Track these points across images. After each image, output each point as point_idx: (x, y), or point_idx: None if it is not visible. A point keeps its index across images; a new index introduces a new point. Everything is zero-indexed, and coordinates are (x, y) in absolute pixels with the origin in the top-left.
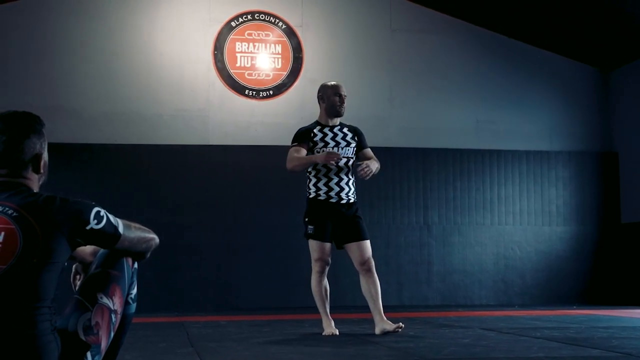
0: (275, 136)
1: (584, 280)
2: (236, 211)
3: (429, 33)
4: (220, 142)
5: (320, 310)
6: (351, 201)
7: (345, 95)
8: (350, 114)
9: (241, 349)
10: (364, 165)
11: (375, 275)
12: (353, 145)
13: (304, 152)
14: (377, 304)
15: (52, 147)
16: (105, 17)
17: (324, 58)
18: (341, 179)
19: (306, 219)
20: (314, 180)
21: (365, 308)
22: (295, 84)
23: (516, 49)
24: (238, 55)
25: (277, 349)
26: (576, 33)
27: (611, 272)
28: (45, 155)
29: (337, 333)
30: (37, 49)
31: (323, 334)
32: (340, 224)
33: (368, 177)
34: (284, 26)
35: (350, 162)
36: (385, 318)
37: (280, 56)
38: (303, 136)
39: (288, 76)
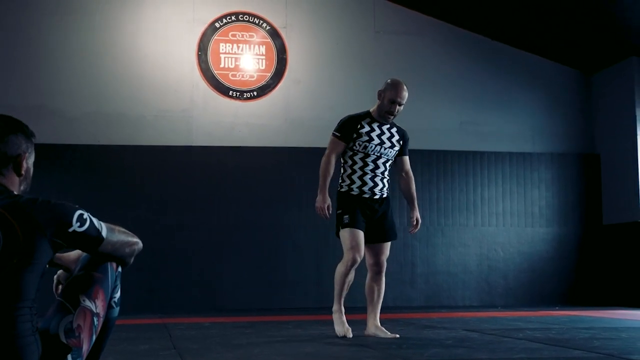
0: (259, 137)
1: (567, 281)
2: (220, 212)
3: (412, 35)
4: (204, 143)
5: (336, 298)
6: (384, 196)
7: (402, 105)
8: (334, 114)
9: (224, 350)
10: (416, 225)
11: (384, 278)
12: (397, 148)
13: (341, 148)
14: (377, 306)
15: (35, 147)
16: (89, 18)
17: (308, 59)
18: (376, 175)
19: (339, 211)
20: (349, 171)
21: (356, 310)
22: (280, 85)
23: (499, 51)
24: (222, 56)
25: (260, 350)
26: (559, 36)
27: (593, 273)
28: (29, 162)
29: (350, 335)
30: (20, 49)
31: (336, 331)
32: (370, 221)
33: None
34: (268, 27)
35: (389, 163)
36: (379, 324)
37: (264, 57)
38: (348, 127)
39: (272, 77)
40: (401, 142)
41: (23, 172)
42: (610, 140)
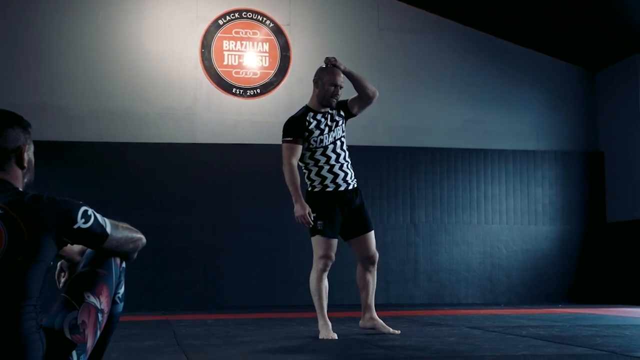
0: (262, 135)
1: (570, 279)
2: (223, 210)
3: (416, 32)
4: (207, 140)
5: (318, 310)
6: (355, 186)
7: (341, 87)
8: None
9: (227, 347)
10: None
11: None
12: (341, 122)
13: (299, 150)
14: (372, 298)
15: (38, 145)
16: (92, 15)
17: (311, 57)
18: (342, 164)
19: (314, 214)
20: (314, 170)
21: (352, 307)
22: (283, 82)
23: (504, 48)
24: (225, 53)
25: (263, 347)
26: (563, 33)
27: (596, 271)
28: (30, 153)
29: (336, 337)
30: (22, 47)
31: (320, 337)
32: (347, 216)
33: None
34: (271, 25)
35: (345, 143)
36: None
37: (267, 55)
38: (297, 128)
39: (275, 75)
40: (342, 112)
41: (25, 164)
42: (614, 138)
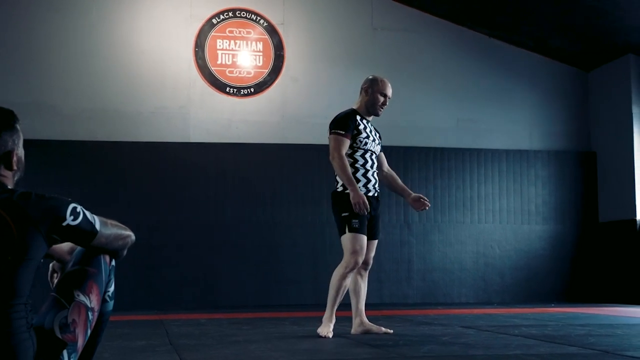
0: (256, 134)
1: (563, 279)
2: (217, 209)
3: (410, 32)
4: (201, 139)
5: (330, 304)
6: (377, 194)
7: (390, 98)
8: (331, 111)
9: (221, 347)
10: (424, 200)
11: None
12: (379, 142)
13: (347, 145)
14: (363, 304)
15: (31, 143)
16: (86, 14)
17: (305, 56)
18: (374, 172)
19: (346, 213)
20: (351, 169)
21: (346, 307)
22: (277, 81)
23: (497, 48)
24: (219, 52)
25: (256, 346)
26: (556, 33)
27: (589, 271)
28: (19, 151)
29: (331, 336)
30: (16, 45)
31: (319, 330)
32: (368, 221)
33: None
34: (265, 24)
35: (376, 158)
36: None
37: (261, 54)
38: (349, 124)
39: (269, 74)
40: (380, 139)
41: (15, 166)
42: (606, 137)
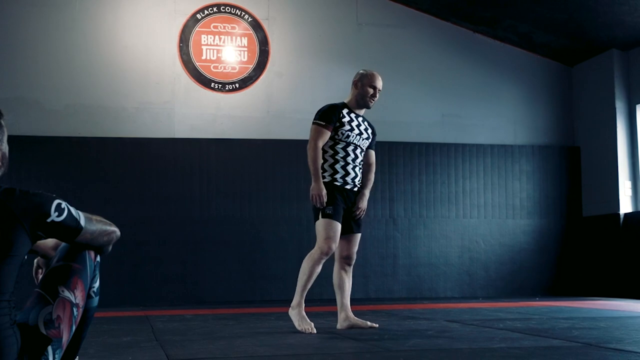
0: (241, 129)
1: (547, 273)
2: (202, 204)
3: (395, 27)
4: (185, 135)
5: (299, 289)
6: (358, 187)
7: (380, 90)
8: (316, 106)
9: (206, 342)
10: (361, 210)
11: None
12: (369, 140)
13: (326, 137)
14: (348, 299)
15: (14, 139)
16: (69, 8)
17: (290, 51)
18: (355, 165)
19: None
20: (330, 160)
21: (331, 302)
22: (262, 77)
23: (481, 43)
24: (204, 47)
25: (242, 342)
26: (540, 28)
27: (573, 265)
28: (3, 147)
29: (315, 332)
30: None
31: (296, 325)
32: (346, 213)
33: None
34: (250, 19)
35: (362, 154)
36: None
37: (246, 49)
38: (332, 114)
39: (254, 69)
40: (372, 135)
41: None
42: (590, 132)
